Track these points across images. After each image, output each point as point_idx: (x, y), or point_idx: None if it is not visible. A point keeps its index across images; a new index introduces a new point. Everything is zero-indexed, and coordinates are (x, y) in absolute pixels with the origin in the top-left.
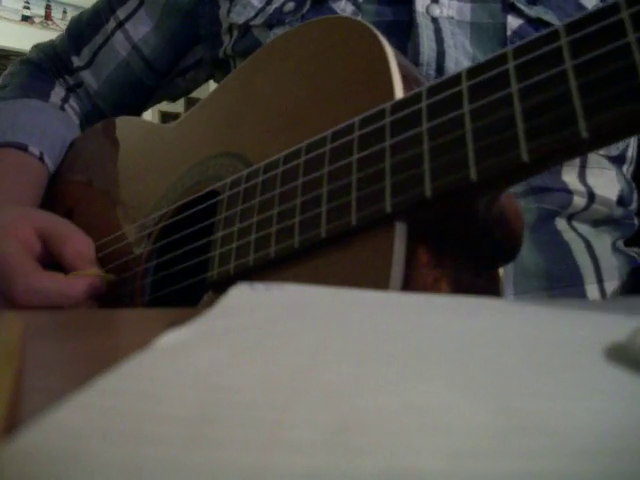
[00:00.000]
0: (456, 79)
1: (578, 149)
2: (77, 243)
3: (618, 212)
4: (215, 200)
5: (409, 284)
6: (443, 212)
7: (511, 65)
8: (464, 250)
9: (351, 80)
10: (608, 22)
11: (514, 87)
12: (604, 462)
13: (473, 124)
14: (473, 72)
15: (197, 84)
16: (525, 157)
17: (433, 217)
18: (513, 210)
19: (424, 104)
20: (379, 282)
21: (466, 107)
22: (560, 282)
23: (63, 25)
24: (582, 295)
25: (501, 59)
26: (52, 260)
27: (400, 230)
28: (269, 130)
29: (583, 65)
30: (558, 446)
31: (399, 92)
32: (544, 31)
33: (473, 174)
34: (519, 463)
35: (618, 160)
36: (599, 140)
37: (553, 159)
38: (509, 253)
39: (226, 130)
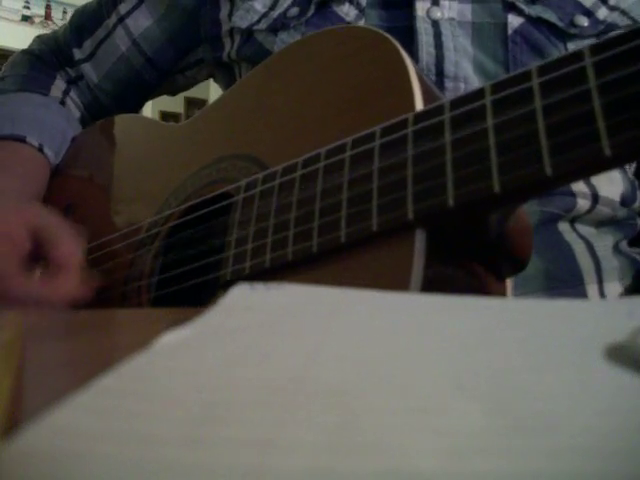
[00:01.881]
0: (479, 93)
1: (601, 166)
2: (66, 247)
3: (621, 213)
4: (229, 202)
5: (425, 292)
6: (462, 222)
7: (535, 82)
8: (476, 260)
9: (369, 89)
10: (633, 45)
11: (538, 103)
12: (604, 462)
13: (497, 138)
14: (497, 87)
15: (196, 81)
16: (549, 171)
17: (450, 228)
18: (524, 224)
19: (447, 116)
20: (398, 289)
21: (490, 121)
22: (559, 283)
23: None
24: (582, 296)
25: (525, 76)
26: (42, 257)
27: (420, 238)
28: (285, 134)
29: (607, 85)
30: (558, 446)
31: (419, 103)
32: (568, 52)
33: (496, 185)
34: (519, 463)
35: None
36: (621, 158)
37: (576, 174)
38: (518, 265)
39: (239, 132)
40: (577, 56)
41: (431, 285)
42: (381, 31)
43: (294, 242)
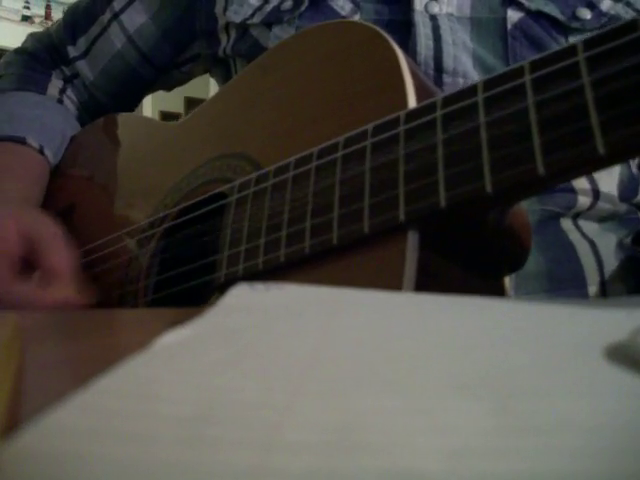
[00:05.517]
0: (472, 90)
1: (595, 164)
2: (56, 256)
3: (622, 208)
4: (222, 203)
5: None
6: (455, 222)
7: (528, 78)
8: (473, 259)
9: (362, 86)
10: (627, 39)
11: (530, 100)
12: (604, 462)
13: (489, 136)
14: (489, 84)
15: (192, 77)
16: (541, 171)
17: (445, 227)
18: (522, 221)
19: (439, 114)
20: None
21: (482, 118)
22: (562, 283)
23: None
24: (584, 297)
25: (518, 72)
26: (35, 266)
27: (413, 239)
28: (278, 132)
29: (600, 80)
30: (558, 446)
31: (412, 100)
32: (562, 46)
33: (488, 186)
34: (519, 463)
35: None
36: (616, 156)
37: (570, 173)
38: (516, 263)
39: (233, 131)
40: (570, 51)
41: (425, 287)
42: (375, 26)
43: (286, 244)
